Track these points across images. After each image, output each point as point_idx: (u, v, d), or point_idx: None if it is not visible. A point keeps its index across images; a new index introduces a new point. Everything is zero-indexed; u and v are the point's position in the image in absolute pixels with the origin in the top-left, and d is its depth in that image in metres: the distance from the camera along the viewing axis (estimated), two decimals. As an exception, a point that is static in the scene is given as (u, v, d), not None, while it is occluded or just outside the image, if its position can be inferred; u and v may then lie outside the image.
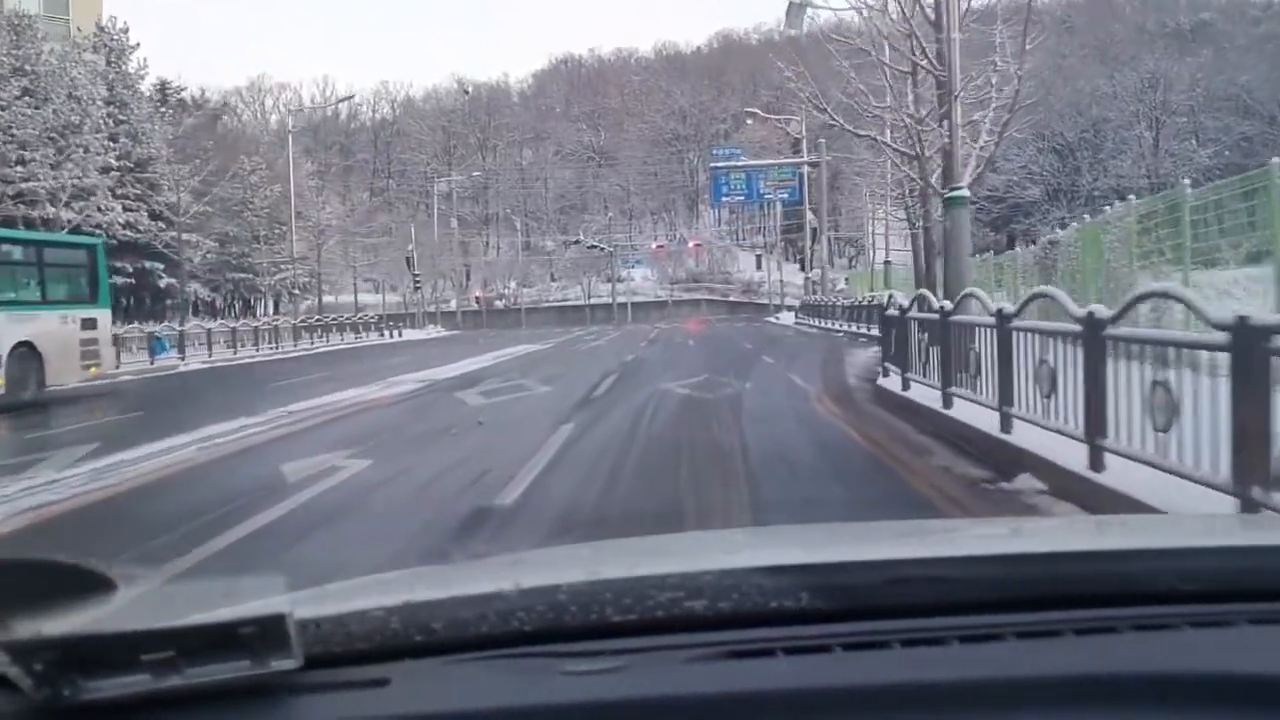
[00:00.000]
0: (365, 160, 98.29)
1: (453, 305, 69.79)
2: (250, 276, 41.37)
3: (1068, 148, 48.70)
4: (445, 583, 1.14)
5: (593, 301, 74.46)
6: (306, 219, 44.47)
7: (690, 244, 72.59)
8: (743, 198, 39.43)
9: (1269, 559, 1.17)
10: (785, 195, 39.77)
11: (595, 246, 67.97)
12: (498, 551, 3.85)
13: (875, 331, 27.44)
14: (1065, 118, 49.53)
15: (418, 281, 50.81)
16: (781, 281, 56.88)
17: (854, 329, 28.93)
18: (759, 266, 78.50)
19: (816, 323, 36.95)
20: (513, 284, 71.93)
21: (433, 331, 51.37)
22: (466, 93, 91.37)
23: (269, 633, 0.86)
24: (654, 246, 73.03)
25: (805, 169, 39.95)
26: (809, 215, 41.88)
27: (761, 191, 39.25)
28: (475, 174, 70.55)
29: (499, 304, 71.95)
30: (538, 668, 0.93)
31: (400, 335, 46.70)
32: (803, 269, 43.96)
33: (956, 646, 0.96)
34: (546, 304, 75.86)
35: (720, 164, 39.73)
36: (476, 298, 70.90)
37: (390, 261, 56.50)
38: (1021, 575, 1.10)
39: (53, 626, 0.84)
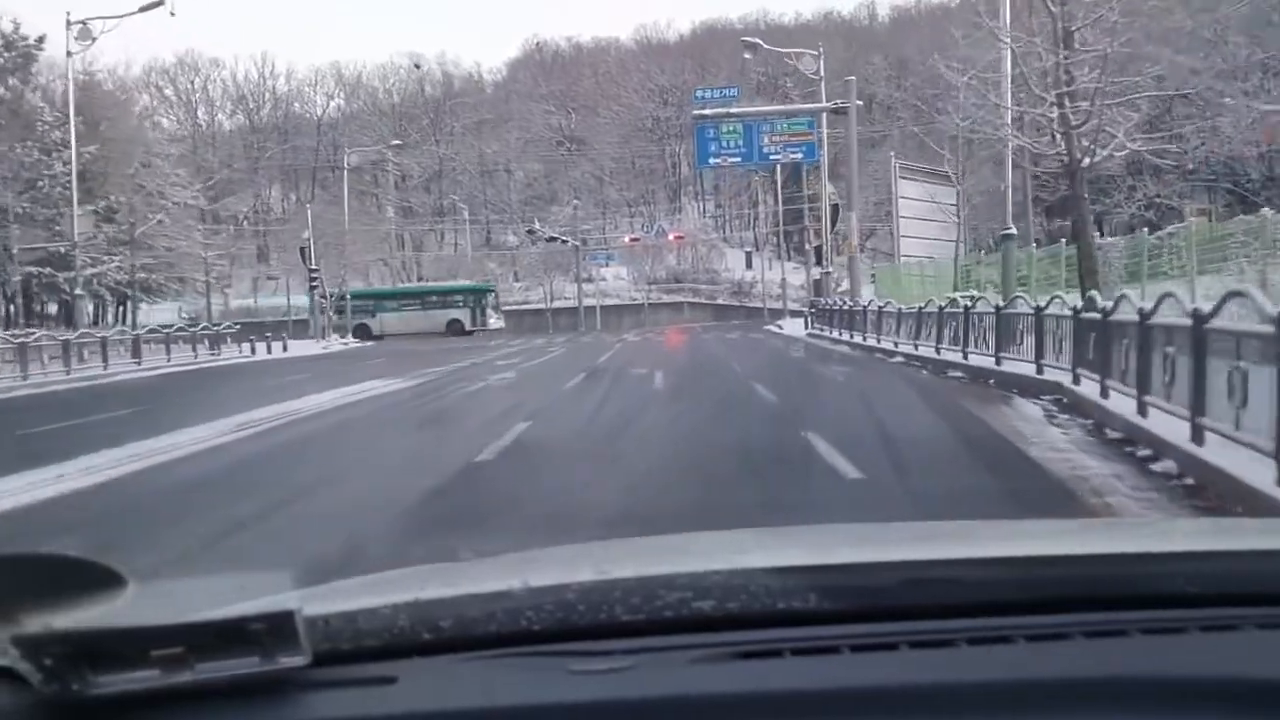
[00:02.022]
0: (309, 146, 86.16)
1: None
2: (51, 272, 29.22)
3: (1158, 105, 36.86)
4: (454, 580, 1.13)
5: (557, 304, 62.55)
6: (152, 196, 32.47)
7: (670, 236, 60.63)
8: (738, 159, 27.45)
9: (1278, 563, 1.15)
10: (799, 154, 27.95)
11: (555, 239, 55.90)
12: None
13: (978, 361, 15.75)
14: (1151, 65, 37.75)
15: (314, 279, 38.72)
16: (784, 281, 45.15)
17: (930, 352, 17.09)
18: (749, 265, 67.15)
19: (843, 336, 25.23)
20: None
21: (334, 343, 39.29)
22: (418, 67, 79.32)
23: (278, 629, 0.85)
24: (627, 240, 61.01)
25: (823, 118, 28.09)
26: (827, 188, 30.07)
27: (765, 151, 27.37)
28: (394, 143, 58.25)
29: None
30: (546, 667, 0.92)
31: (285, 350, 34.67)
32: (818, 262, 32.04)
33: (965, 649, 0.95)
34: (504, 307, 63.80)
35: (708, 111, 27.69)
36: (418, 300, 58.77)
37: (297, 255, 44.18)
38: (1031, 578, 1.08)
39: (63, 621, 0.83)
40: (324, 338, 40.11)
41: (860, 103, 27.01)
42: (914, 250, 36.03)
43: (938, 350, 16.93)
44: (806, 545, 1.42)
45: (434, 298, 49.89)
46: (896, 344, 19.88)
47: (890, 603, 1.02)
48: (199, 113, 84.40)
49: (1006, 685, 0.90)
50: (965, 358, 15.27)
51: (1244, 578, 1.10)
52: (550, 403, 12.36)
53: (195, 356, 28.64)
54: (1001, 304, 14.14)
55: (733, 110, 26.85)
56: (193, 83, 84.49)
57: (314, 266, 38.54)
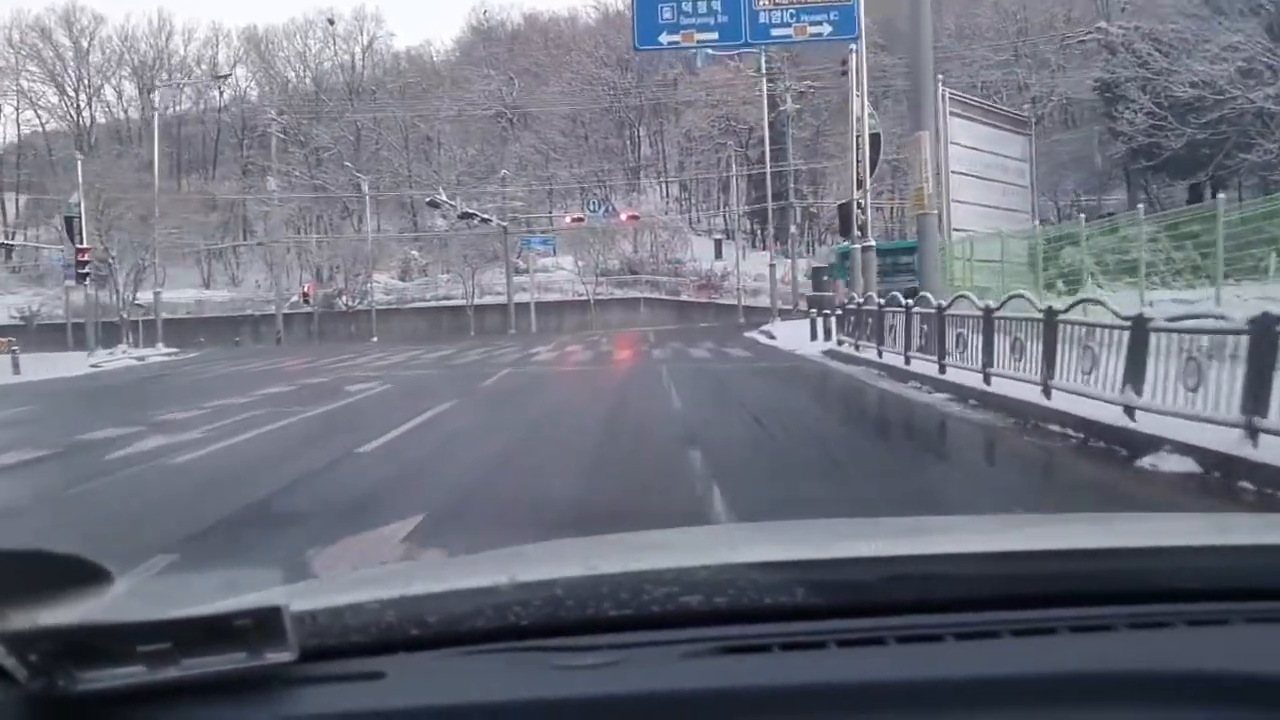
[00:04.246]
0: (211, 117, 72.47)
1: (273, 308, 44.83)
2: None
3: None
4: (441, 576, 1.11)
5: (486, 300, 49.79)
6: None
7: (622, 216, 47.95)
8: (713, 35, 14.60)
9: (1265, 558, 1.12)
10: (824, 27, 15.23)
11: (471, 215, 42.95)
12: None
13: None
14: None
15: (83, 262, 25.58)
16: (773, 268, 32.72)
17: None
18: (719, 254, 54.96)
19: (910, 364, 12.94)
20: (363, 274, 46.69)
21: (121, 356, 26.29)
22: (331, 23, 66.11)
23: (265, 625, 0.84)
24: (569, 220, 48.22)
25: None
26: (858, 108, 17.59)
27: (762, 20, 14.71)
28: (223, 75, 45.23)
29: (341, 303, 46.85)
30: (533, 662, 0.91)
31: (16, 371, 21.79)
32: (844, 232, 19.34)
33: (952, 643, 0.94)
34: (418, 303, 50.92)
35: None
36: (304, 294, 45.78)
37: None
38: (1018, 572, 1.06)
39: (49, 617, 0.81)
40: (113, 345, 27.07)
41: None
42: (967, 222, 23.71)
43: None
44: (794, 540, 1.37)
45: None
46: (1131, 410, 7.45)
47: (877, 598, 0.99)
48: (82, 77, 70.44)
49: (993, 680, 0.88)
50: None
51: (1233, 572, 1.06)
52: None
53: None
54: None
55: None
56: (75, 42, 70.53)
57: (82, 245, 25.44)
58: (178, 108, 70.10)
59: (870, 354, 15.45)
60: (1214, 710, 0.85)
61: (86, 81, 69.44)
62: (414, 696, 0.87)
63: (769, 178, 35.62)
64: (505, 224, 44.56)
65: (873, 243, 17.31)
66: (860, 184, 17.44)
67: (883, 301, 14.91)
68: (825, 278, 30.25)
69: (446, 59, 76.95)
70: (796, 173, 48.86)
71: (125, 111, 68.75)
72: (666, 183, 69.22)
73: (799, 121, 53.02)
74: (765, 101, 35.58)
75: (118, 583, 0.89)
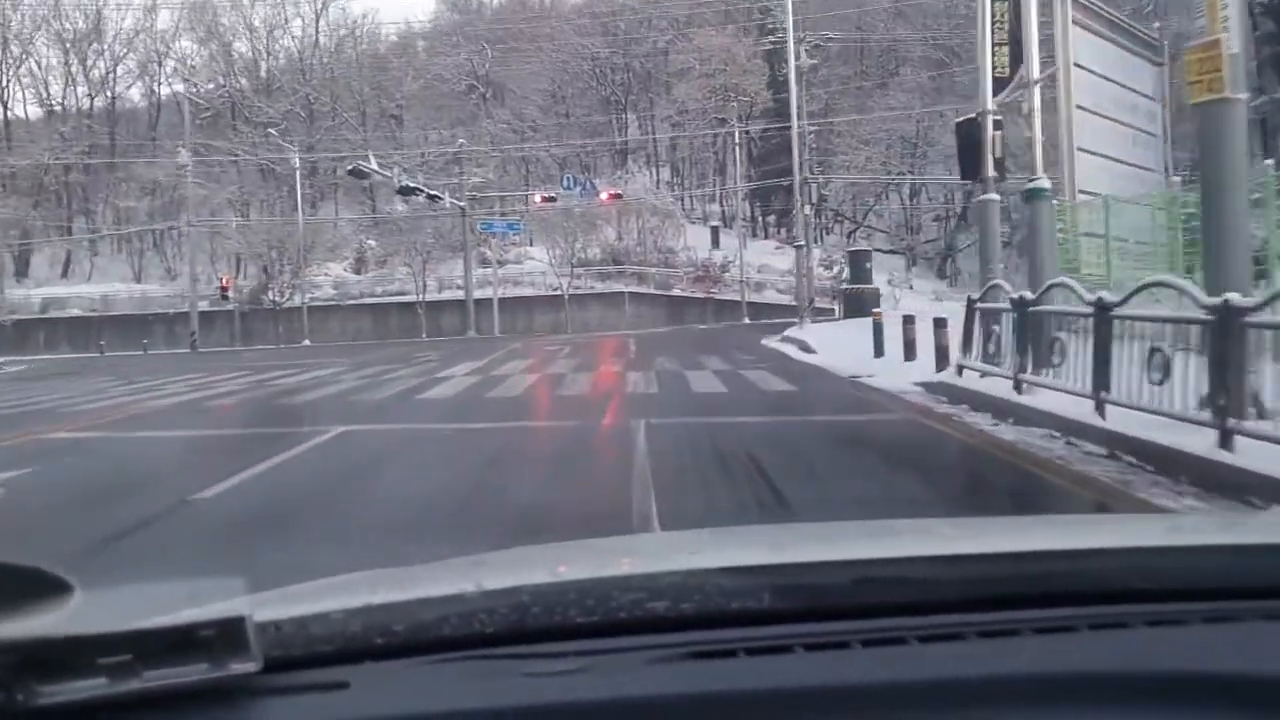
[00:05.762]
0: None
1: (202, 304, 36.76)
2: None
3: None
4: (407, 584, 1.09)
5: (444, 296, 41.72)
6: None
7: (604, 195, 39.81)
8: None
9: (1223, 559, 1.12)
10: None
11: (413, 190, 34.71)
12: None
13: None
14: None
15: None
16: (799, 258, 24.83)
17: None
18: (716, 243, 47.33)
19: (1252, 455, 5.18)
20: (296, 265, 38.45)
21: None
22: (282, -17, 57.63)
23: (228, 635, 0.82)
24: (538, 199, 39.97)
25: None
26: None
27: None
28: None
29: (270, 299, 38.69)
30: (500, 669, 0.90)
31: None
32: (967, 172, 11.19)
33: (917, 646, 0.94)
34: (367, 299, 42.82)
35: None
36: (222, 288, 37.63)
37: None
38: (982, 575, 1.06)
39: (6, 630, 0.78)
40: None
41: None
42: (1090, 180, 15.73)
43: None
44: (760, 545, 1.36)
45: None
46: None
47: (843, 601, 0.99)
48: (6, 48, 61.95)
49: (957, 681, 0.88)
50: None
51: (1190, 573, 1.06)
52: None
53: None
54: None
55: None
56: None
57: None
58: (113, 84, 62.04)
59: (1053, 401, 7.46)
60: (1174, 708, 0.85)
61: (6, 51, 60.91)
62: (379, 706, 0.84)
63: (795, 135, 27.39)
64: (463, 204, 36.38)
65: (1045, 183, 9.20)
66: (1006, 80, 9.47)
67: (1105, 296, 6.90)
68: (867, 265, 22.37)
69: (414, 27, 69.01)
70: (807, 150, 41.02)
71: (47, 86, 60.32)
72: (657, 165, 61.07)
73: (808, 94, 45.16)
74: (790, 16, 27.43)
75: (78, 594, 0.82)
